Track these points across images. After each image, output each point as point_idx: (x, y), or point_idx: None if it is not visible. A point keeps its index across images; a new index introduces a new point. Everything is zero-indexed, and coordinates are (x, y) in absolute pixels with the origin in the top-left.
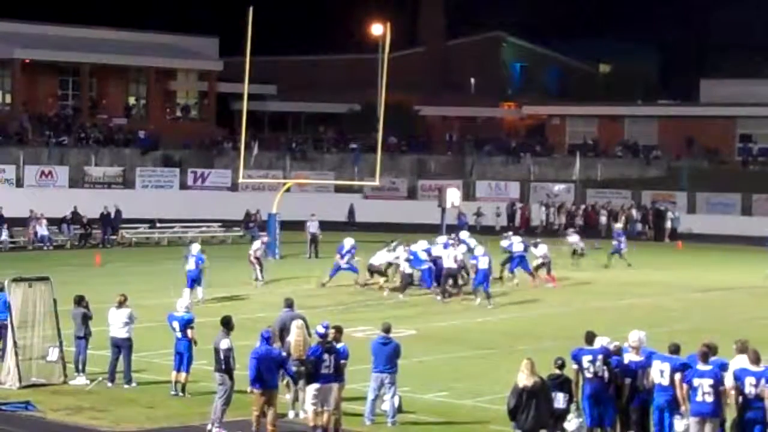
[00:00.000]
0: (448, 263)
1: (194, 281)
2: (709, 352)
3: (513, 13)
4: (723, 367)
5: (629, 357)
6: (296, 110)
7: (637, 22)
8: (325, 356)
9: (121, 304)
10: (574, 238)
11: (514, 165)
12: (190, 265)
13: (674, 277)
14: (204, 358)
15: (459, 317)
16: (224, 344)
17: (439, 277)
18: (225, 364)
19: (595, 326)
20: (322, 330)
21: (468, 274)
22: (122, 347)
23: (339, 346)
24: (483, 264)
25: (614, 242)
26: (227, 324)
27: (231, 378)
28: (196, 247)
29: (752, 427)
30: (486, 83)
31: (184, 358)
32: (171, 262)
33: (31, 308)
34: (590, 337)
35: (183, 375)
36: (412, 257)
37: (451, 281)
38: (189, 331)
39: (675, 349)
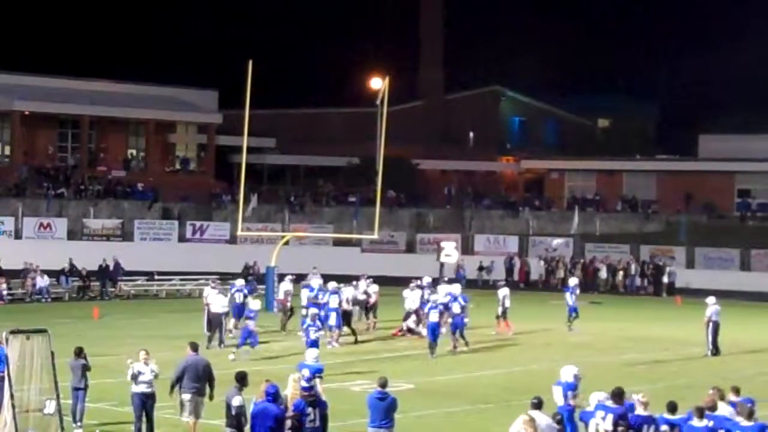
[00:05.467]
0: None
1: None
2: (704, 408)
3: (512, 68)
4: (720, 422)
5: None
6: (295, 163)
7: (635, 77)
8: (309, 410)
9: (146, 362)
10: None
11: (513, 219)
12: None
13: (673, 332)
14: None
15: (458, 371)
16: (236, 401)
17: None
18: (236, 421)
19: (595, 382)
20: (305, 384)
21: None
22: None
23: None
24: (432, 317)
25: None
26: (242, 380)
27: None
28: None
29: None
30: (485, 137)
31: None
32: (170, 315)
33: (28, 360)
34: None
35: None
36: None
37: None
38: (317, 381)
39: (673, 408)
